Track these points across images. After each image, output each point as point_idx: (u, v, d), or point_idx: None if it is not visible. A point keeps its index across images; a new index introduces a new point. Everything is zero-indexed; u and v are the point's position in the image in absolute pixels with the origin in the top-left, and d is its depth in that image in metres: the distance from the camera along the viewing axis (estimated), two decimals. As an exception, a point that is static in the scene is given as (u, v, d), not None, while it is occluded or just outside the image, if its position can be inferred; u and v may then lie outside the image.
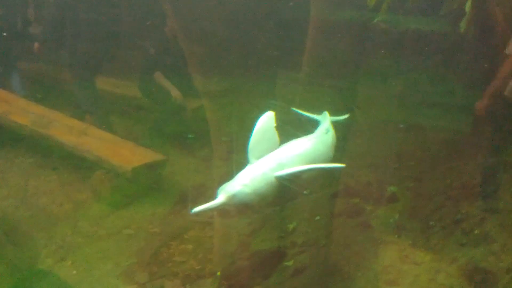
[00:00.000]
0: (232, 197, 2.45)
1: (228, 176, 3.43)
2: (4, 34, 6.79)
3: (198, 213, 2.42)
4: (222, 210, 2.49)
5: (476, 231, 3.29)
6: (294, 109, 3.39)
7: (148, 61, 5.90)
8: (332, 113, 3.21)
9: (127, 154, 4.90)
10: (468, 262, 3.06)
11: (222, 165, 3.60)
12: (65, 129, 5.42)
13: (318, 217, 3.73)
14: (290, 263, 3.50)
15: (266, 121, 2.73)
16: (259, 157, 2.70)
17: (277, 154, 2.69)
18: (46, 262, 4.02)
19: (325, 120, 3.22)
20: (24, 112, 5.79)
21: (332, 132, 3.11)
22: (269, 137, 2.71)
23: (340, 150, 3.06)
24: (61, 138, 5.23)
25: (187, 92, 5.54)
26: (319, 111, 3.94)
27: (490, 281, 3.03)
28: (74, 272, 3.90)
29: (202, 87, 3.63)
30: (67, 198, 4.90)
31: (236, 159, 3.51)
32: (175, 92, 5.61)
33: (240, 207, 2.49)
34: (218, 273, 3.59)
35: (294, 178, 2.59)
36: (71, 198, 4.90)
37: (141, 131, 5.97)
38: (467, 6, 3.32)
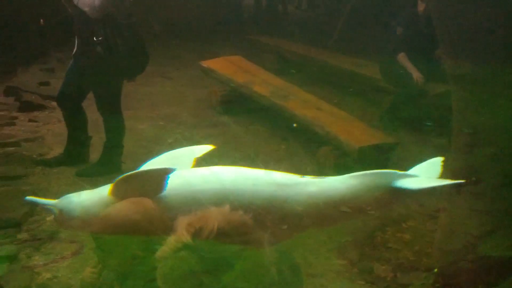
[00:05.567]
0: (60, 201, 2.08)
1: (465, 171, 3.17)
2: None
3: (32, 202, 2.19)
4: (58, 217, 2.10)
5: None
6: None
7: (393, 41, 5.78)
8: None
9: (356, 133, 4.87)
10: None
11: (459, 158, 3.33)
12: (301, 102, 5.62)
13: None
14: (525, 277, 3.10)
15: (191, 149, 2.32)
16: None
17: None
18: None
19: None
20: (265, 84, 6.16)
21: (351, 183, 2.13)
22: (176, 163, 2.15)
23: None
24: (295, 111, 5.41)
25: (432, 76, 5.31)
26: None
27: None
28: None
29: (452, 71, 3.36)
30: (293, 169, 5.08)
31: (477, 153, 3.21)
32: (417, 75, 5.40)
33: (64, 216, 2.06)
34: (435, 270, 3.35)
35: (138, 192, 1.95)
36: (296, 170, 5.06)
37: (375, 112, 5.91)
38: None
